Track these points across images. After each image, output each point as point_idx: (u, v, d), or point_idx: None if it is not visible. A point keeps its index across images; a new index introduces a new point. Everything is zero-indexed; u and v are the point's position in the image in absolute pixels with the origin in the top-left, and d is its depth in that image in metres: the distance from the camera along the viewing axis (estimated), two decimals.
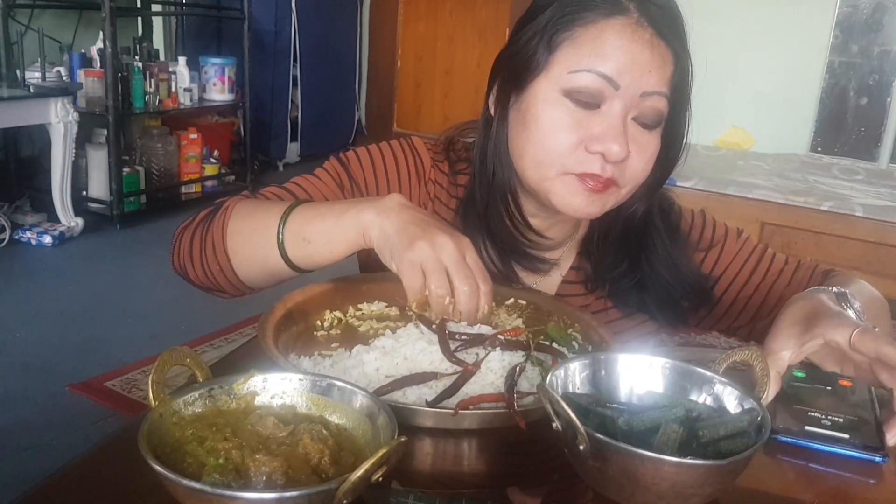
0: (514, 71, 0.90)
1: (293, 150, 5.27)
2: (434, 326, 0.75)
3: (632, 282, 0.98)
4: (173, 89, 4.13)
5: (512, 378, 0.68)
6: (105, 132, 3.79)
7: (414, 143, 1.03)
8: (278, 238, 0.83)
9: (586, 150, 0.85)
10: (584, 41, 0.84)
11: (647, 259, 0.98)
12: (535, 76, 0.87)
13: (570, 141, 0.85)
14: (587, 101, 0.85)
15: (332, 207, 0.84)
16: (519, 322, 0.87)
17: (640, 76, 0.84)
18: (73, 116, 3.49)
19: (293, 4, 4.96)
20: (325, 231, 0.81)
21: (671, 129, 0.90)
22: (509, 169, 0.93)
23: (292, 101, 5.18)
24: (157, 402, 0.56)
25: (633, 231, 0.97)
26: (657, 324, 1.02)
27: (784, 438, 0.70)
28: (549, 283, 1.02)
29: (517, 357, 0.73)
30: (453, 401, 0.67)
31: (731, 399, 0.65)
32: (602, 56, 0.83)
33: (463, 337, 0.74)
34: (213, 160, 4.43)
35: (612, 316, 1.02)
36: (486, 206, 0.96)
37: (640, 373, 0.68)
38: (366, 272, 1.04)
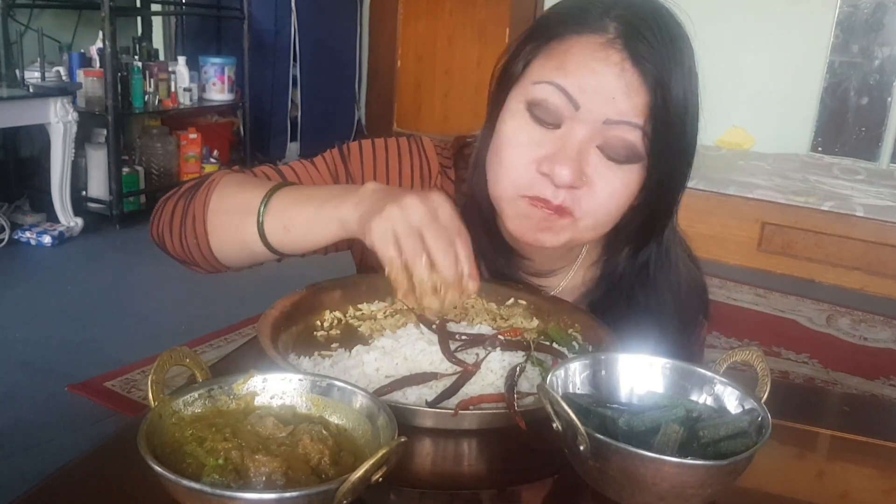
0: (500, 82, 0.87)
1: (293, 149, 5.26)
2: (434, 326, 0.75)
3: (636, 320, 0.93)
4: (173, 89, 4.12)
5: (512, 378, 0.68)
6: (104, 132, 3.78)
7: (423, 143, 0.99)
8: (258, 220, 0.80)
9: (538, 172, 0.81)
10: (555, 54, 0.81)
11: (658, 302, 0.94)
12: (511, 87, 0.85)
13: (524, 158, 0.81)
14: (545, 119, 0.80)
15: (313, 196, 0.80)
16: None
17: (604, 101, 0.78)
18: (73, 116, 3.48)
19: (293, 4, 4.95)
20: (305, 221, 0.78)
21: (659, 165, 0.82)
22: (484, 182, 0.89)
23: (292, 100, 5.18)
24: (156, 403, 0.56)
25: (644, 274, 0.93)
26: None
27: None
28: None
29: (517, 357, 0.73)
30: (453, 401, 0.67)
31: (731, 399, 0.65)
32: (564, 70, 0.79)
33: (463, 337, 0.74)
34: (212, 160, 4.42)
35: None
36: (475, 217, 0.91)
37: (641, 373, 0.68)
38: (362, 270, 1.03)
